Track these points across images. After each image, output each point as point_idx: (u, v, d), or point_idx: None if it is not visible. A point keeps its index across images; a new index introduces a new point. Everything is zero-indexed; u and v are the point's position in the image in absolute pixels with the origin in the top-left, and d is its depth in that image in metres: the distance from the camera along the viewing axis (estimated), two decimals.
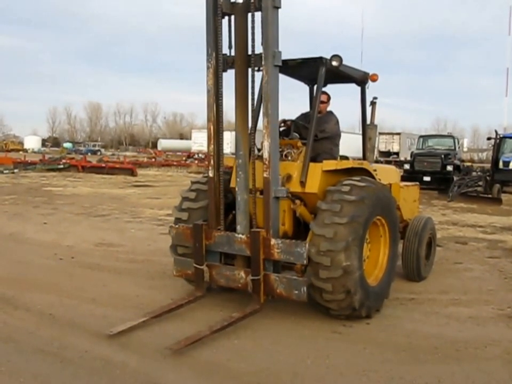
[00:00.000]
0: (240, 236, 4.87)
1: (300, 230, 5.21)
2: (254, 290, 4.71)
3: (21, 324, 4.68)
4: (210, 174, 5.05)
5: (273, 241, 4.64)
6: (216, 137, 5.00)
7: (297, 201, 5.03)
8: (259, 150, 4.97)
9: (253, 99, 4.79)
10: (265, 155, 4.69)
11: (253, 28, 4.70)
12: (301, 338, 4.49)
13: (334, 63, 5.13)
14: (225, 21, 4.91)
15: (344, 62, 5.17)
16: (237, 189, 5.01)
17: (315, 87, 5.70)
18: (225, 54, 4.95)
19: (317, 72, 5.22)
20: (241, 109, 4.94)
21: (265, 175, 4.71)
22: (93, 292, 5.65)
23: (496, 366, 4.04)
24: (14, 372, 3.72)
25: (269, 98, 4.66)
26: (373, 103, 5.99)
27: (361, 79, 5.87)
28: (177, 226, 5.33)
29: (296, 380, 3.72)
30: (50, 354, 4.04)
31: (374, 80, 5.83)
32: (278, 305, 5.02)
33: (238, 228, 5.01)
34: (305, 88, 6.31)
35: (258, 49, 4.70)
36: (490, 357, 4.21)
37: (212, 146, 5.01)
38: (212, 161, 5.03)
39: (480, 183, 18.38)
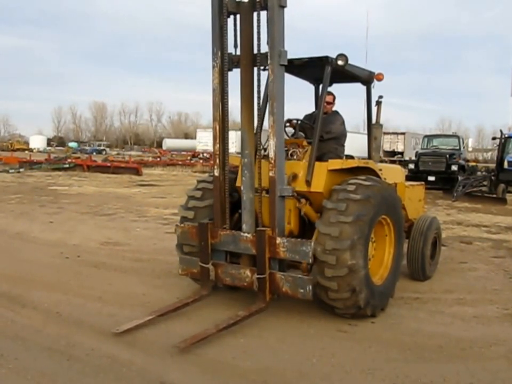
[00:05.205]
0: (245, 234, 4.89)
1: (306, 229, 5.23)
2: (260, 289, 4.73)
3: (28, 322, 4.71)
4: (216, 173, 5.06)
5: (278, 240, 4.66)
6: (221, 136, 5.02)
7: (303, 200, 5.04)
8: (265, 150, 4.98)
9: (258, 98, 4.80)
10: (271, 154, 4.70)
11: (258, 27, 4.70)
12: (306, 336, 4.51)
13: (340, 63, 5.14)
14: (230, 20, 4.93)
15: (349, 61, 5.18)
16: (242, 188, 5.02)
17: (320, 86, 5.71)
18: (231, 53, 4.97)
19: (322, 71, 5.22)
20: (246, 108, 4.95)
21: (271, 174, 4.73)
22: (99, 290, 5.68)
23: (501, 365, 4.04)
24: (22, 369, 3.75)
25: (275, 97, 4.67)
26: (378, 103, 5.99)
27: (367, 79, 5.88)
28: (182, 225, 5.36)
29: (301, 378, 3.74)
30: (57, 352, 4.07)
31: (379, 80, 5.84)
32: (283, 304, 5.04)
33: (244, 226, 5.02)
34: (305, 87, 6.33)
35: (264, 48, 4.71)
36: (495, 356, 4.21)
37: (218, 145, 5.03)
38: (217, 160, 5.05)
39: (485, 183, 18.32)
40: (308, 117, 5.99)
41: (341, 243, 4.50)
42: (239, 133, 5.31)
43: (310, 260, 4.52)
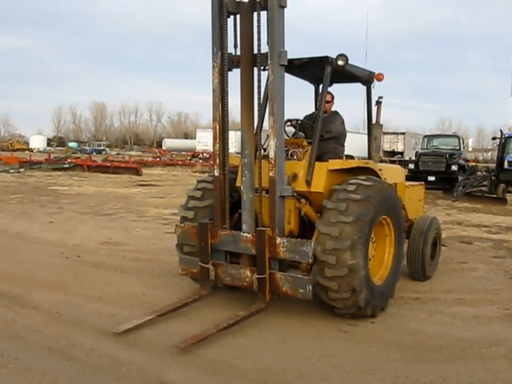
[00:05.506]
0: (245, 234, 4.89)
1: (306, 229, 5.23)
2: (260, 289, 4.72)
3: (28, 321, 4.71)
4: (216, 173, 5.06)
5: (278, 240, 4.66)
6: (221, 137, 5.02)
7: (303, 200, 5.05)
8: (265, 150, 4.98)
9: (258, 98, 4.81)
10: (271, 154, 4.71)
11: (258, 27, 4.71)
12: (306, 336, 4.51)
13: (340, 63, 5.14)
14: (230, 20, 4.93)
15: (349, 62, 5.18)
16: (242, 188, 5.03)
17: (320, 86, 5.71)
18: (231, 53, 4.97)
19: (322, 71, 5.22)
20: (246, 108, 4.95)
21: (271, 174, 4.73)
22: (99, 290, 5.68)
23: (502, 365, 4.04)
24: (22, 369, 3.76)
25: (275, 97, 4.67)
26: (378, 103, 5.99)
27: (367, 79, 5.88)
28: (182, 225, 5.36)
29: (301, 378, 3.74)
30: (57, 351, 4.07)
31: (379, 80, 5.84)
32: (283, 304, 5.04)
33: (244, 226, 5.03)
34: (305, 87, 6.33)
35: (264, 48, 4.72)
36: (495, 356, 4.21)
37: (218, 145, 5.03)
38: (217, 160, 5.05)
39: (485, 183, 18.33)
40: (308, 117, 5.99)
41: (341, 243, 4.50)
42: (239, 133, 5.31)
43: (310, 260, 4.52)
